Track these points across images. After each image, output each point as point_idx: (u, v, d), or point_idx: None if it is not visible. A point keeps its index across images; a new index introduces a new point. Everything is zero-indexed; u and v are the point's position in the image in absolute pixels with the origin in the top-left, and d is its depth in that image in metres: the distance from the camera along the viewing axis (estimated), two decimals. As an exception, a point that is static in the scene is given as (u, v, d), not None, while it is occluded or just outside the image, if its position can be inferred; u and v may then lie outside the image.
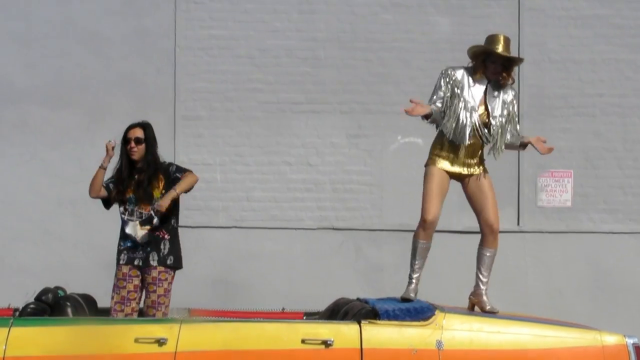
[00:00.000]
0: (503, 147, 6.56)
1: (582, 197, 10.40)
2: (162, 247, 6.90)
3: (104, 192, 6.99)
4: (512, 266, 10.07)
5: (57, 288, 6.79)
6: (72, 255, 10.14)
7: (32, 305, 6.38)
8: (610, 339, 6.06)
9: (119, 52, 10.36)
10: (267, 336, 5.93)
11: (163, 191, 6.91)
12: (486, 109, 6.53)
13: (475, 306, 6.56)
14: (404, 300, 6.36)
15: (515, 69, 6.68)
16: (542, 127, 10.03)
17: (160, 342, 5.85)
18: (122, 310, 6.81)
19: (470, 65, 6.57)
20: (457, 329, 5.97)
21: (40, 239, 10.18)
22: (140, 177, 6.93)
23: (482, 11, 10.39)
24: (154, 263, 6.86)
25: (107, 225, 7.69)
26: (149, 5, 10.39)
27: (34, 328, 5.96)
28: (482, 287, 6.55)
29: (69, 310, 6.44)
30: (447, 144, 6.53)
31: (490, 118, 6.51)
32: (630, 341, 6.06)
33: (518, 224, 10.33)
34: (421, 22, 10.42)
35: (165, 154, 7.26)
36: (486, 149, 6.59)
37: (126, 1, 10.40)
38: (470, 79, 6.53)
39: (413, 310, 6.03)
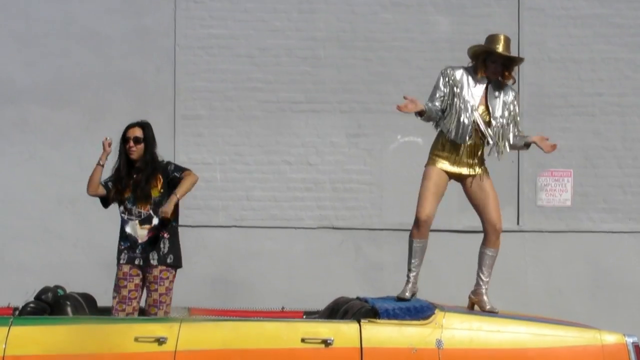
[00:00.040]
0: (507, 148, 6.55)
1: (582, 196, 10.40)
2: (161, 246, 6.90)
3: (102, 191, 7.00)
4: (512, 265, 10.05)
5: (57, 287, 6.79)
6: (72, 254, 10.14)
7: (31, 304, 6.38)
8: (610, 338, 6.06)
9: (118, 51, 10.35)
10: (266, 335, 5.92)
11: (161, 190, 6.92)
12: (487, 108, 6.52)
13: (475, 305, 6.57)
14: (399, 299, 6.36)
15: (515, 68, 6.67)
16: (542, 126, 10.02)
17: (160, 341, 5.84)
18: (124, 310, 6.81)
19: (471, 65, 6.57)
20: (457, 328, 5.97)
21: (40, 238, 10.18)
22: (138, 176, 6.93)
23: (482, 11, 10.39)
24: (154, 262, 6.86)
25: (106, 224, 7.69)
26: (149, 4, 10.38)
27: (33, 327, 5.96)
28: (482, 286, 6.55)
29: (69, 309, 6.43)
30: (447, 144, 6.52)
31: (491, 118, 6.51)
32: (629, 340, 6.05)
33: (518, 223, 10.33)
34: (421, 21, 10.42)
35: (165, 153, 7.26)
36: (486, 149, 6.58)
37: (126, 0, 10.39)
38: (471, 78, 6.53)
39: (413, 309, 6.03)
